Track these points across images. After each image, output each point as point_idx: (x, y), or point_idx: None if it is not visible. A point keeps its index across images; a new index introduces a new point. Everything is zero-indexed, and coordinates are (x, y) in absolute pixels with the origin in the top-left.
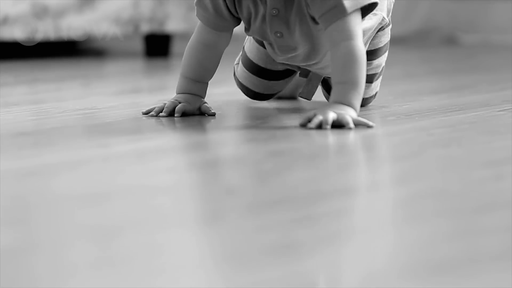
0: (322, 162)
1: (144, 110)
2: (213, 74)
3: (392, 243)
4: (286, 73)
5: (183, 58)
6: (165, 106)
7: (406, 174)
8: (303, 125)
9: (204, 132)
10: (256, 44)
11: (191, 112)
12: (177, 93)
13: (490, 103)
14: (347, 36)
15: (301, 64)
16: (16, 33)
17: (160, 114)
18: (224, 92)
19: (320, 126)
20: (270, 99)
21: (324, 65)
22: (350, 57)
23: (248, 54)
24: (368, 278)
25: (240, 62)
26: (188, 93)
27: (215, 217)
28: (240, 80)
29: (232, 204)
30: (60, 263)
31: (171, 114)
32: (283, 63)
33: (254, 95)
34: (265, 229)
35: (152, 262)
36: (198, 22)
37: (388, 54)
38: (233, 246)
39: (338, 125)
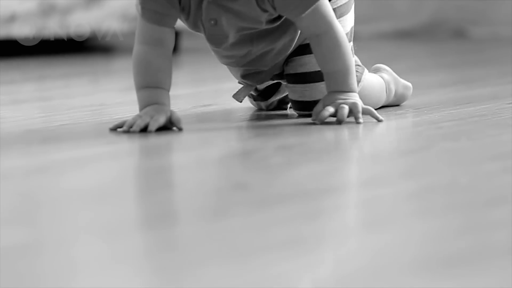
0: (331, 156)
1: (111, 126)
2: (170, 78)
3: (402, 237)
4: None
5: (133, 72)
6: (135, 123)
7: (415, 168)
8: (315, 120)
9: (212, 127)
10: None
11: (162, 124)
12: (141, 109)
13: (499, 96)
14: (326, 27)
15: (244, 61)
16: (23, 30)
17: (131, 129)
18: (233, 87)
19: (335, 117)
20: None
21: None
22: (335, 47)
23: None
24: (378, 271)
25: None
26: (153, 104)
27: (224, 212)
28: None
29: (241, 199)
30: (66, 261)
31: (142, 131)
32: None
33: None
34: (274, 223)
35: (162, 258)
36: (137, 30)
37: (396, 48)
38: (242, 241)
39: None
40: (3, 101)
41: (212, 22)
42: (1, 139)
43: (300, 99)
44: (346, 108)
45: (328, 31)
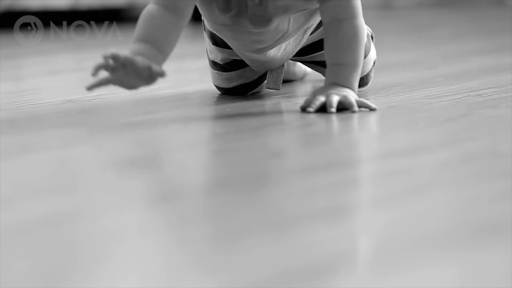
0: (369, 126)
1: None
2: (172, 47)
3: (439, 205)
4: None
5: (136, 26)
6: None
7: (455, 136)
8: (304, 109)
9: (247, 101)
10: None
11: (139, 65)
12: None
13: None
14: (352, 13)
15: (265, 47)
16: (60, 1)
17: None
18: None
19: (323, 109)
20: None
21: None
22: (353, 39)
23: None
24: (413, 240)
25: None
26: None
27: (262, 181)
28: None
29: (279, 167)
30: (103, 229)
31: (116, 61)
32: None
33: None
34: (313, 192)
35: (201, 227)
36: None
37: (435, 16)
38: (281, 210)
39: (341, 108)
40: (40, 72)
41: (257, 1)
42: (40, 110)
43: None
44: (335, 97)
45: (353, 18)
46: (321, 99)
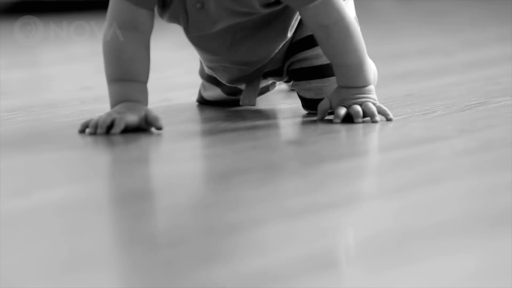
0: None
1: (80, 128)
2: (148, 68)
3: (457, 193)
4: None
5: (104, 62)
6: (100, 120)
7: (472, 123)
8: (322, 119)
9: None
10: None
11: (135, 124)
12: (112, 107)
13: None
14: (337, 16)
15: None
16: None
17: (98, 131)
18: None
19: (348, 119)
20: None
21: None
22: (346, 39)
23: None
24: (431, 228)
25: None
26: (126, 101)
27: (279, 167)
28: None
29: (295, 155)
30: (120, 215)
31: (109, 129)
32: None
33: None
34: (329, 179)
35: (218, 213)
36: (108, 10)
37: (453, 1)
38: (295, 196)
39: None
40: (56, 59)
41: (198, 5)
42: (54, 98)
43: (317, 96)
44: (360, 112)
45: (339, 21)
46: (342, 110)
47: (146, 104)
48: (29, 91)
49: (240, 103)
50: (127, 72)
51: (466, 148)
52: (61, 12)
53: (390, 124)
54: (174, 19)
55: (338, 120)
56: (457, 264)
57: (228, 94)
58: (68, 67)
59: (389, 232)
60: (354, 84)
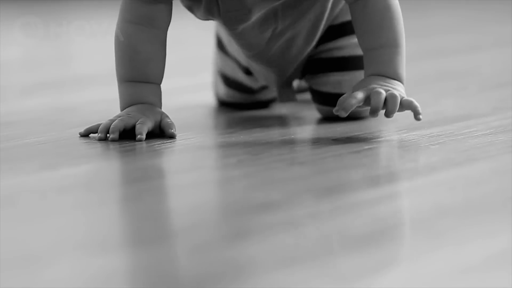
0: (415, 90)
1: (81, 131)
2: (163, 69)
3: (490, 171)
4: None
5: (115, 59)
6: (112, 125)
7: (506, 102)
8: (338, 110)
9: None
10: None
11: (150, 129)
12: (123, 108)
13: None
14: None
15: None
16: None
17: (109, 137)
18: None
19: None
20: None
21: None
22: (386, 13)
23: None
24: (465, 203)
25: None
26: (138, 103)
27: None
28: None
29: (327, 134)
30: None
31: (120, 133)
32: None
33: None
34: (362, 158)
35: (241, 200)
36: (121, 3)
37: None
38: (333, 175)
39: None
40: (78, 39)
41: None
42: (83, 74)
43: (335, 91)
44: (382, 94)
45: None
46: (359, 96)
47: (160, 106)
48: (59, 68)
49: (279, 100)
50: (142, 74)
51: (499, 126)
52: None
53: (422, 101)
54: (208, 13)
55: (344, 114)
56: (493, 242)
57: (246, 73)
58: (96, 42)
59: (424, 208)
60: (384, 73)
